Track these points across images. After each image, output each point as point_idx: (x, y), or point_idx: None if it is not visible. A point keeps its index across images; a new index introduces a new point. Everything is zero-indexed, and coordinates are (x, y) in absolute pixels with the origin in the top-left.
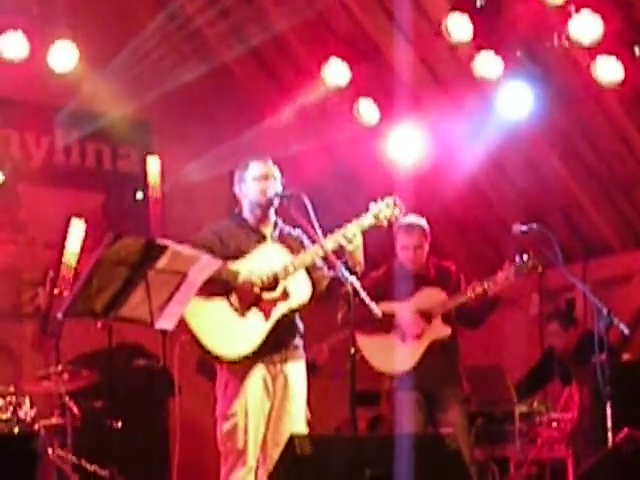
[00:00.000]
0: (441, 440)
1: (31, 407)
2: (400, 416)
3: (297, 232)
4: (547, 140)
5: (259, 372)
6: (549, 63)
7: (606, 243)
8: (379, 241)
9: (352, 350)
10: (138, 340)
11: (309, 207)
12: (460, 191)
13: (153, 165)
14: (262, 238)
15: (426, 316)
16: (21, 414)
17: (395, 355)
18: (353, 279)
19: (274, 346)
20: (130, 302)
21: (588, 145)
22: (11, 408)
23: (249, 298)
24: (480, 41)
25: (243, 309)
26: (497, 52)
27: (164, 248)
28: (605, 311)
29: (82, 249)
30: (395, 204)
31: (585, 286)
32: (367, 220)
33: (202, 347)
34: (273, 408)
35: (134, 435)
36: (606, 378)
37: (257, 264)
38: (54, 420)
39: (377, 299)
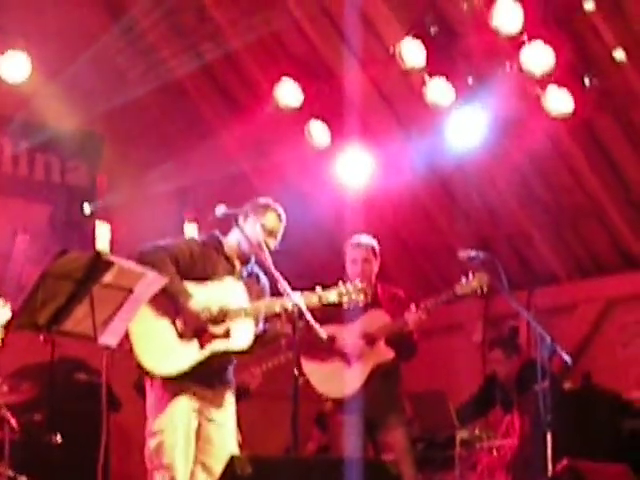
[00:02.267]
0: (382, 465)
1: None
2: (340, 439)
3: (264, 280)
4: (496, 168)
5: (189, 393)
6: (500, 92)
7: (552, 273)
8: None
9: (296, 372)
10: (79, 354)
11: (258, 226)
12: (408, 215)
13: (101, 180)
14: (231, 271)
15: (370, 339)
16: None
17: (339, 379)
18: (299, 301)
19: (205, 374)
20: (74, 317)
21: (537, 175)
22: None
23: (192, 325)
24: (433, 67)
25: (184, 333)
26: (449, 79)
27: (110, 263)
28: (548, 339)
29: (27, 261)
30: (363, 291)
31: (529, 314)
32: (331, 296)
33: (136, 359)
34: (202, 430)
35: (73, 450)
36: (547, 406)
37: (215, 295)
38: None
39: (324, 321)
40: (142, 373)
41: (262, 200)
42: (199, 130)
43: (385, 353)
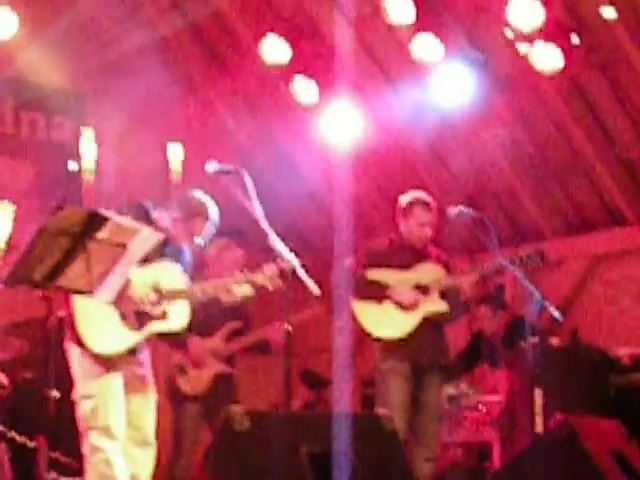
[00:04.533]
0: (378, 420)
1: None
2: (386, 385)
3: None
4: (484, 125)
5: (121, 361)
6: (489, 49)
7: (538, 229)
8: None
9: (288, 327)
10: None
11: (249, 184)
12: (395, 173)
13: (87, 136)
14: (173, 252)
15: (423, 289)
16: None
17: (390, 322)
18: (291, 257)
19: (136, 351)
20: (70, 272)
21: (524, 132)
22: None
23: (130, 304)
24: (421, 24)
25: (125, 314)
26: (437, 35)
27: (106, 219)
28: (538, 296)
29: (14, 219)
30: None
31: (518, 270)
32: (259, 278)
33: (75, 331)
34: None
35: (64, 406)
36: (536, 362)
37: (154, 275)
38: None
39: (375, 266)
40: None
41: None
42: (185, 87)
43: (438, 305)
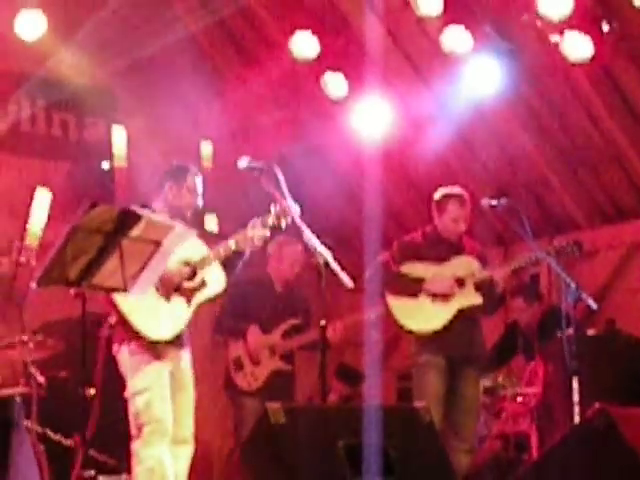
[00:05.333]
0: (415, 412)
1: None
2: (422, 378)
3: None
4: (515, 116)
5: (167, 351)
6: (518, 38)
7: (572, 219)
8: None
9: (323, 322)
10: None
11: (280, 179)
12: (427, 165)
13: (119, 135)
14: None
15: (459, 282)
16: None
17: (424, 315)
18: (324, 250)
19: (183, 344)
20: (104, 270)
21: (555, 121)
22: None
23: (170, 286)
24: (450, 15)
25: (167, 295)
26: (467, 27)
27: (139, 217)
28: (574, 286)
29: (48, 218)
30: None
31: (554, 261)
32: (269, 220)
33: (129, 326)
34: (172, 387)
35: (100, 405)
36: (573, 353)
37: (181, 254)
38: (19, 389)
39: (410, 260)
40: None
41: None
42: (214, 83)
43: (473, 298)
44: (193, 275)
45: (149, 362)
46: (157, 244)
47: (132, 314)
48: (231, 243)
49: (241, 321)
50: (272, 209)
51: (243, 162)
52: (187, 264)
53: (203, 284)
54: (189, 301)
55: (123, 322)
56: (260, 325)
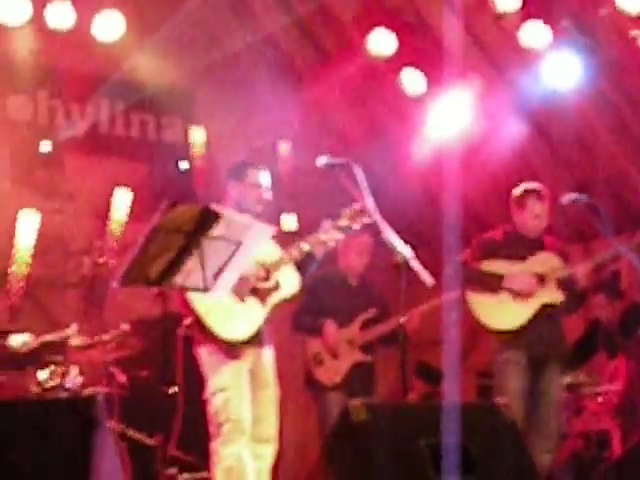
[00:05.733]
0: (497, 410)
1: (78, 376)
2: (503, 375)
3: None
4: (594, 110)
5: (246, 351)
6: (597, 33)
7: None
8: None
9: (402, 319)
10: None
11: (359, 176)
12: (505, 161)
13: (197, 135)
14: None
15: (540, 279)
16: (68, 383)
17: (505, 313)
18: (405, 249)
19: (257, 335)
20: (185, 270)
21: (635, 115)
22: (58, 377)
23: (246, 287)
24: (527, 10)
25: (241, 296)
26: (545, 22)
27: (219, 216)
28: None
29: (127, 218)
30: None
31: (635, 257)
32: (342, 222)
33: (204, 327)
34: (253, 386)
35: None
36: None
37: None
38: (100, 389)
39: (489, 258)
40: (209, 338)
41: None
42: (291, 83)
43: (555, 295)
44: (267, 276)
45: (227, 362)
46: (237, 243)
47: (207, 315)
48: (304, 246)
49: (317, 317)
50: (346, 211)
51: (322, 160)
52: (261, 265)
53: (277, 286)
54: (264, 302)
55: (199, 323)
56: (336, 319)
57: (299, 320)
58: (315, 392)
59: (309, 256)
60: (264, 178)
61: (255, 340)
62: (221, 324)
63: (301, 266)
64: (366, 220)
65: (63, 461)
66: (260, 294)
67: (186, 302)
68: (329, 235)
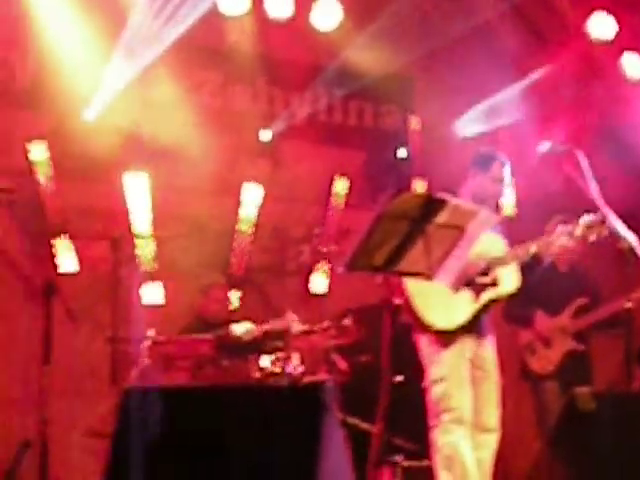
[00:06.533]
0: None
1: (300, 363)
2: None
3: None
4: None
5: (465, 341)
6: None
7: None
8: None
9: (628, 304)
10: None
11: (583, 162)
12: None
13: (414, 123)
14: None
15: None
16: (289, 369)
17: None
18: (629, 235)
19: (475, 325)
20: (409, 256)
21: None
22: (280, 363)
23: (463, 277)
24: None
25: (457, 286)
26: None
27: (444, 203)
28: None
29: (345, 206)
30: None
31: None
32: (577, 230)
33: (418, 316)
34: (474, 376)
35: (403, 391)
36: None
37: (478, 247)
38: (321, 376)
39: None
40: (420, 327)
41: None
42: (510, 70)
43: None
44: (487, 272)
45: (446, 351)
46: (461, 230)
47: (421, 304)
48: (532, 247)
49: (527, 307)
50: (584, 219)
51: (545, 146)
52: (482, 259)
53: (495, 282)
54: (477, 296)
55: (413, 312)
56: (546, 308)
57: (509, 311)
58: (532, 382)
59: (534, 259)
60: (507, 173)
61: (474, 329)
62: (432, 312)
63: (525, 267)
64: (604, 233)
65: (289, 446)
66: (475, 288)
67: (401, 290)
68: (560, 241)
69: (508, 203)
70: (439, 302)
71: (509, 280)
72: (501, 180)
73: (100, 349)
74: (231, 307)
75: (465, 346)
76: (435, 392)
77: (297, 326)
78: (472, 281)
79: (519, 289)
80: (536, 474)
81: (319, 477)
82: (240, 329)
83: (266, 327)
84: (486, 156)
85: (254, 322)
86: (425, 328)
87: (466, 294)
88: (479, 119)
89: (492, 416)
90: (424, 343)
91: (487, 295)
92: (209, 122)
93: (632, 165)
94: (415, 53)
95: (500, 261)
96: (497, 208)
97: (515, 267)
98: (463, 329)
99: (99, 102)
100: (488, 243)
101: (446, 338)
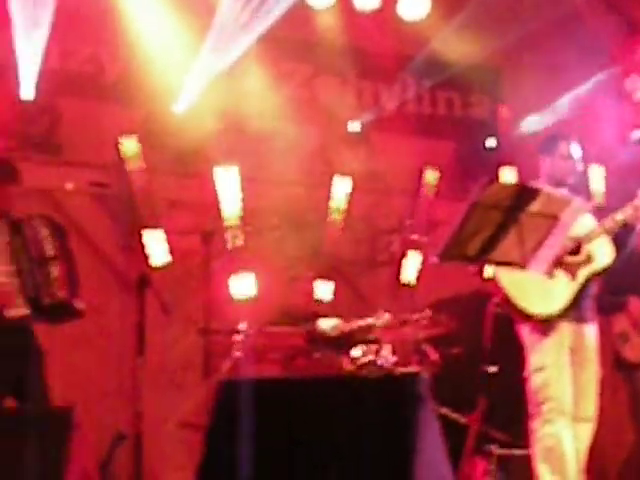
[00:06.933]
0: None
1: (391, 354)
2: None
3: None
4: None
5: (565, 328)
6: None
7: None
8: None
9: None
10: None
11: None
12: None
13: (504, 113)
14: None
15: None
16: (381, 360)
17: None
18: None
19: (576, 309)
20: (502, 246)
21: None
22: (372, 354)
23: (554, 262)
24: None
25: (549, 271)
26: None
27: (537, 192)
28: None
29: (435, 196)
30: None
31: None
32: None
33: (513, 306)
34: (573, 364)
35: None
36: None
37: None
38: (412, 367)
39: None
40: (521, 319)
41: None
42: (598, 59)
43: None
44: (578, 249)
45: (546, 340)
46: (555, 219)
47: (515, 292)
48: (619, 216)
49: (620, 294)
50: None
51: (637, 134)
52: (571, 238)
53: (589, 259)
54: (573, 276)
55: (512, 303)
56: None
57: (601, 300)
58: (625, 372)
59: (626, 227)
60: (575, 149)
61: (573, 316)
62: (529, 300)
63: (617, 238)
64: None
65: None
66: (570, 268)
67: (494, 279)
68: None
69: (598, 191)
70: (536, 290)
71: (603, 254)
72: (570, 156)
73: (193, 342)
74: (321, 300)
75: (564, 333)
76: (535, 381)
77: (388, 321)
78: (565, 262)
79: (613, 272)
80: (630, 466)
81: (415, 468)
82: (327, 324)
83: (355, 324)
84: (550, 138)
85: (343, 318)
86: (526, 318)
87: (562, 277)
88: (565, 109)
89: (590, 406)
90: (525, 332)
91: (584, 272)
92: (298, 114)
93: None
94: (503, 42)
95: (590, 236)
96: (588, 195)
97: (607, 240)
98: (564, 314)
99: (188, 95)
100: (579, 226)
101: (546, 326)
